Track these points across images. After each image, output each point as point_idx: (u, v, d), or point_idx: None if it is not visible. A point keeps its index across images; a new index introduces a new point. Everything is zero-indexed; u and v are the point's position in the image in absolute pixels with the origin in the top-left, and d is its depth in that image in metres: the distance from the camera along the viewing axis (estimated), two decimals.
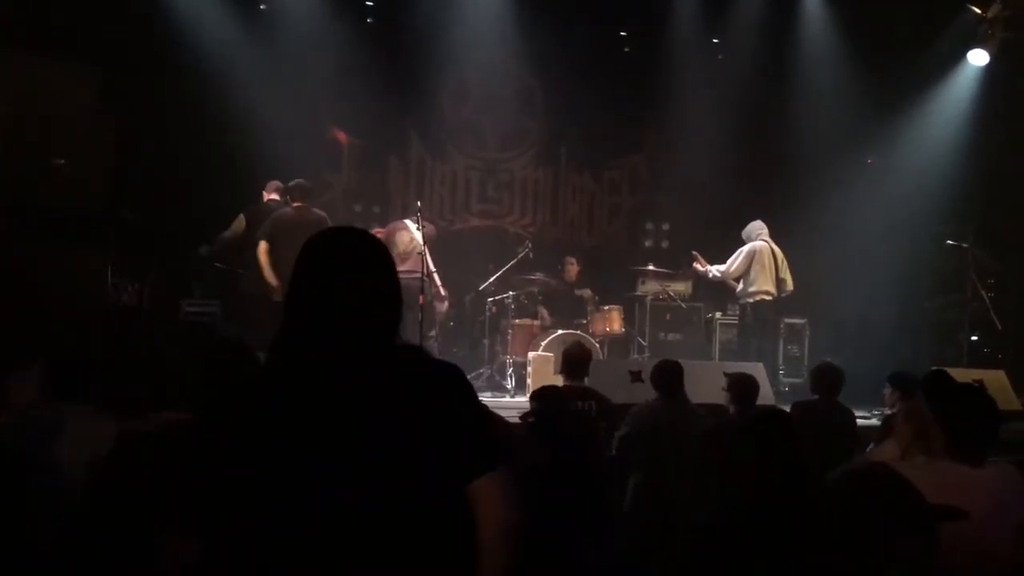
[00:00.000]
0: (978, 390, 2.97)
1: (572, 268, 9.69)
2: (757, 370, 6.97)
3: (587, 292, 9.58)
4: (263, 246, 7.20)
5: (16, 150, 5.81)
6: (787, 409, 5.44)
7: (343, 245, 1.86)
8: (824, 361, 5.97)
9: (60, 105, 6.07)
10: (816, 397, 5.47)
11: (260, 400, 1.75)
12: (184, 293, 7.98)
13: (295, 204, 7.51)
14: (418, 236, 7.81)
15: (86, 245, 6.11)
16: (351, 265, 1.81)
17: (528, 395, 5.39)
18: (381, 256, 1.86)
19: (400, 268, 7.76)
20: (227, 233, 7.75)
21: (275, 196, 7.79)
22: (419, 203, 8.25)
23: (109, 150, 6.29)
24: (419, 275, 7.29)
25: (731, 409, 5.22)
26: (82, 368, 3.41)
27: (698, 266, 8.77)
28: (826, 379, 5.45)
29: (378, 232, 8.95)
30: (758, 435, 2.89)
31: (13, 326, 5.44)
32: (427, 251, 7.66)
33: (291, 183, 7.67)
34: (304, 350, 1.77)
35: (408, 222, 8.13)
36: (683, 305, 9.79)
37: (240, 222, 7.66)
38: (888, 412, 5.30)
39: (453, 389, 1.83)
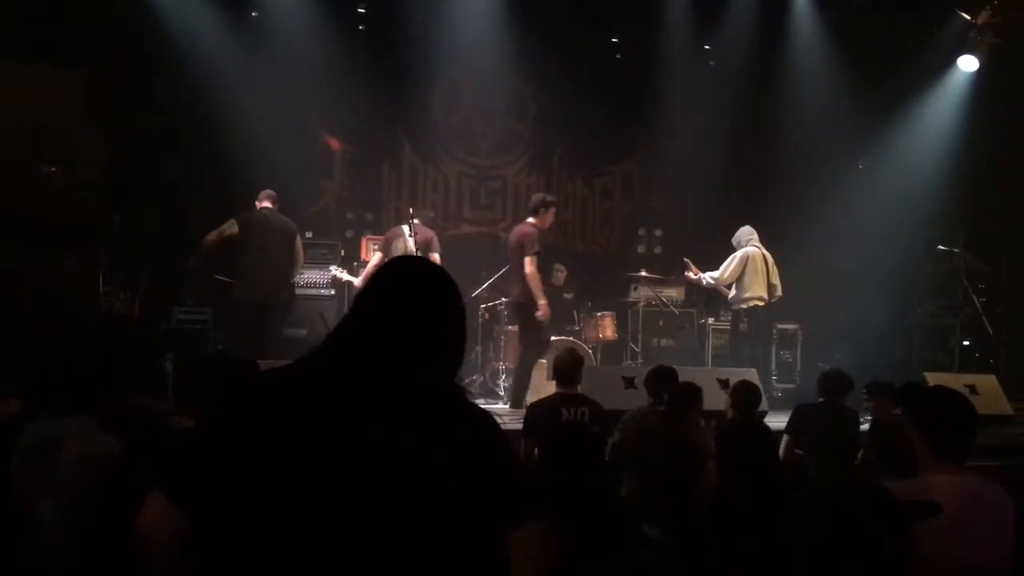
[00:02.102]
0: (951, 390, 2.97)
1: (560, 274, 9.74)
2: (750, 376, 6.99)
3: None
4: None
5: (7, 157, 5.80)
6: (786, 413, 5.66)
7: (422, 278, 1.90)
8: (835, 368, 6.05)
9: (51, 112, 6.06)
10: (821, 400, 5.55)
11: (278, 396, 1.75)
12: (176, 300, 7.95)
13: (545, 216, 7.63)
14: (411, 243, 7.82)
15: (77, 253, 6.09)
16: (422, 297, 1.85)
17: None
18: (454, 301, 1.89)
19: None
20: (211, 235, 7.58)
21: (267, 204, 7.77)
22: (411, 210, 8.25)
23: (100, 157, 6.27)
24: None
25: (729, 414, 5.27)
26: (75, 376, 3.38)
27: (690, 274, 8.75)
28: (831, 383, 5.53)
29: (376, 239, 8.97)
30: (733, 446, 2.94)
31: (5, 334, 5.42)
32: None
33: (541, 198, 7.76)
34: (340, 359, 1.80)
35: (404, 228, 8.11)
36: (676, 311, 9.80)
37: (232, 226, 7.60)
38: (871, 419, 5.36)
39: (482, 436, 1.83)
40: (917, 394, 2.99)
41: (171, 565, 1.71)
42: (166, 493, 1.71)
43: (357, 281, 8.22)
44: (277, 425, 1.69)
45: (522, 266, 7.38)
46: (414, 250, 7.70)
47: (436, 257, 7.74)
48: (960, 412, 2.75)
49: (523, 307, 7.51)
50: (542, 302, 7.34)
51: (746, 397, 5.22)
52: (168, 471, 1.75)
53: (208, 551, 1.73)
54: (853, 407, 5.59)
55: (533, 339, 7.61)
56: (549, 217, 7.62)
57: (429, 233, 8.08)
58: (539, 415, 5.01)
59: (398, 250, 7.84)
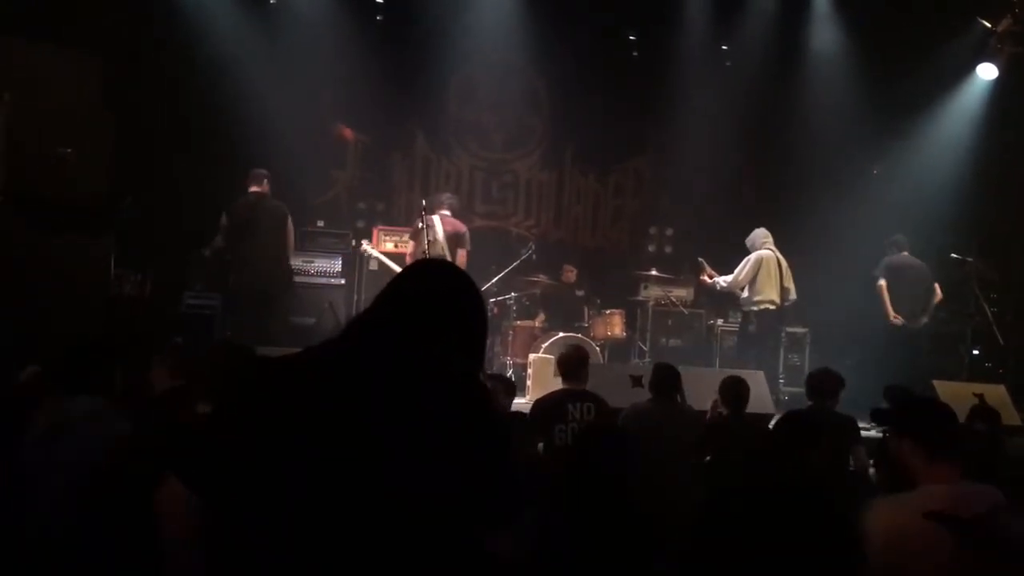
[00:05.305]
0: (929, 397, 2.99)
1: (571, 273, 9.75)
2: (757, 378, 6.96)
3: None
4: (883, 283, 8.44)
5: (19, 140, 5.80)
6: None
7: (448, 284, 1.93)
8: (821, 367, 5.79)
9: (64, 95, 6.06)
10: (810, 404, 5.30)
11: (284, 387, 1.75)
12: (186, 285, 7.96)
13: None
14: (438, 234, 7.95)
15: (89, 235, 6.10)
16: (434, 286, 1.89)
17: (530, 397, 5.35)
18: (470, 289, 1.93)
19: None
20: (217, 240, 7.70)
21: (255, 188, 7.71)
22: (423, 201, 8.25)
23: (113, 142, 6.28)
24: None
25: (719, 408, 5.25)
26: (87, 359, 3.39)
27: (705, 277, 8.70)
28: (821, 384, 5.25)
29: (387, 229, 9.02)
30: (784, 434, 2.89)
31: (17, 316, 5.44)
32: (446, 249, 7.85)
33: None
34: (352, 350, 1.80)
35: (435, 219, 8.15)
36: (685, 311, 9.78)
37: (223, 220, 7.67)
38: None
39: (480, 434, 1.82)
40: (908, 406, 2.99)
41: (186, 550, 1.72)
42: (179, 477, 1.74)
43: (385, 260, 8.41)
44: (281, 418, 1.69)
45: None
46: (443, 241, 7.86)
47: (462, 255, 8.00)
48: (944, 411, 2.77)
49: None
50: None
51: (735, 394, 5.15)
52: (181, 456, 1.77)
53: (218, 541, 1.73)
54: (853, 414, 5.23)
55: None
56: None
57: (461, 228, 8.30)
58: (546, 410, 5.00)
59: (423, 242, 7.88)
